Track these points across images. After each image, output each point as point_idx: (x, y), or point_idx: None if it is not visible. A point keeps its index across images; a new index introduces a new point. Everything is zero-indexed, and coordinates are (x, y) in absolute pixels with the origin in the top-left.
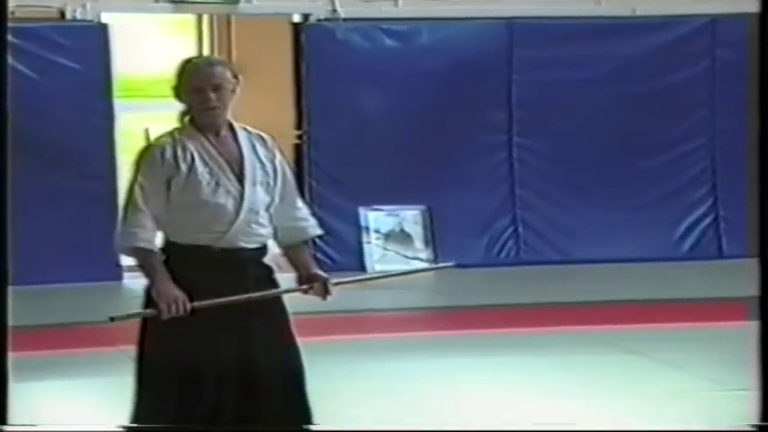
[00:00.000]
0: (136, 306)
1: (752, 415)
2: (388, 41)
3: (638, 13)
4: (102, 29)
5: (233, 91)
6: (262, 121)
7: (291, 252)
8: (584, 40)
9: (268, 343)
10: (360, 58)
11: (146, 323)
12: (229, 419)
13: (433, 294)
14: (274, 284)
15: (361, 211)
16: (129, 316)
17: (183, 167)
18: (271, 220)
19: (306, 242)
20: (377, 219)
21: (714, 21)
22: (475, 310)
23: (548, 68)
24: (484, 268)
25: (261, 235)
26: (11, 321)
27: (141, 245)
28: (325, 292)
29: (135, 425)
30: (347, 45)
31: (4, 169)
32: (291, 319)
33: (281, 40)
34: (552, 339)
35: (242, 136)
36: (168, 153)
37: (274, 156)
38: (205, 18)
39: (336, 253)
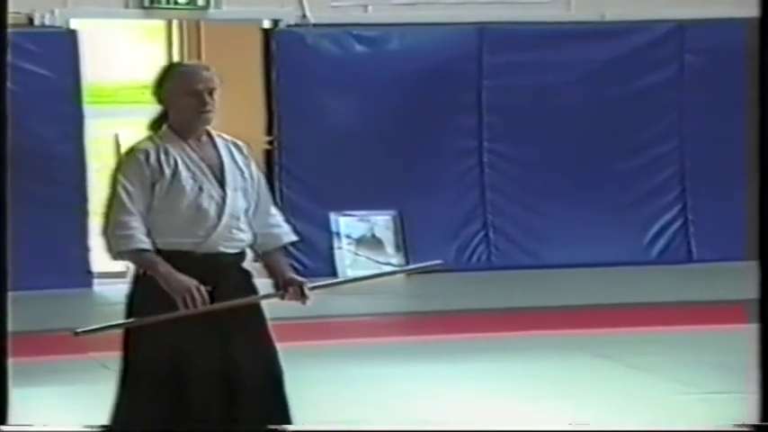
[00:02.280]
0: (106, 313)
1: (729, 416)
2: (359, 47)
3: (608, 18)
4: (71, 35)
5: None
6: (232, 126)
7: (267, 258)
8: (553, 45)
9: (247, 347)
10: (330, 64)
11: (128, 329)
12: (213, 423)
13: (405, 299)
14: (254, 289)
15: (333, 216)
16: (95, 330)
17: (167, 172)
18: (250, 225)
19: (281, 248)
20: (348, 224)
21: (682, 26)
22: (446, 315)
23: (518, 73)
24: (455, 273)
25: (241, 240)
26: None
27: (140, 246)
28: (302, 297)
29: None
30: (317, 51)
31: (3, 172)
32: (269, 324)
33: (250, 46)
34: (523, 343)
35: (220, 142)
36: (152, 157)
37: (250, 162)
38: (175, 24)
39: (308, 258)
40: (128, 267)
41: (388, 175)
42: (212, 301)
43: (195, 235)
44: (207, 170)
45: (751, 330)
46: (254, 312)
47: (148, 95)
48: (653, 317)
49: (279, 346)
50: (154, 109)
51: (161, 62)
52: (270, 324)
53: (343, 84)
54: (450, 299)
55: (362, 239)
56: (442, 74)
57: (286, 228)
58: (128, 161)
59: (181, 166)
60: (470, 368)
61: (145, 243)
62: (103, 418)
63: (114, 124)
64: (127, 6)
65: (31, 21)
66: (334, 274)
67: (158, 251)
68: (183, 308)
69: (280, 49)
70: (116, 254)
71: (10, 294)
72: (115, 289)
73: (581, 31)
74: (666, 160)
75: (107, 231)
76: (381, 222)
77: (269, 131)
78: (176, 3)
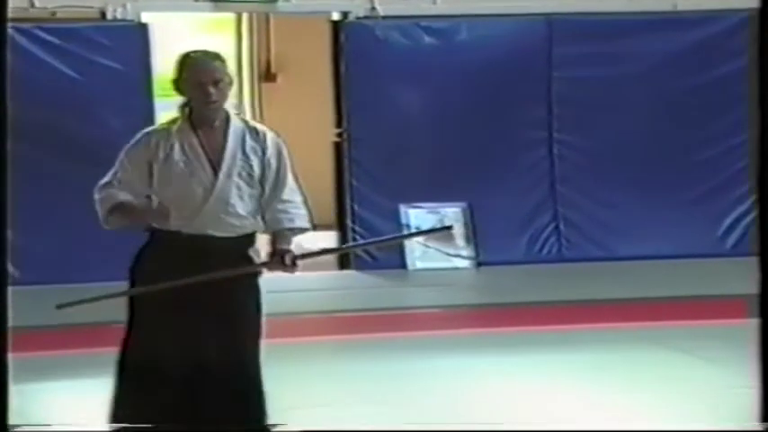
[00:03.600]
0: None
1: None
2: (428, 39)
3: (679, 8)
4: (142, 28)
5: (230, 84)
6: (301, 118)
7: (274, 240)
8: (623, 36)
9: (222, 345)
10: (399, 56)
11: (129, 327)
12: (192, 420)
13: (475, 291)
14: (249, 276)
15: (402, 208)
16: (77, 302)
17: (161, 155)
18: (256, 211)
19: (289, 232)
20: (417, 216)
21: (754, 16)
22: (517, 307)
23: (587, 64)
24: (526, 265)
25: (233, 225)
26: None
27: (119, 199)
28: (284, 266)
29: (123, 425)
30: (386, 43)
31: (3, 170)
32: (339, 316)
33: (319, 39)
34: (595, 336)
35: (233, 129)
36: (153, 140)
37: (265, 149)
38: (244, 16)
39: (378, 250)
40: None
41: (457, 166)
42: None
43: (181, 216)
44: (203, 156)
45: None
46: (243, 308)
47: None
48: (727, 309)
49: (347, 338)
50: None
51: (231, 55)
52: (341, 316)
53: (412, 75)
54: (520, 291)
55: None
56: (512, 65)
57: (293, 214)
58: (133, 142)
59: (176, 151)
60: (541, 360)
61: (124, 198)
62: None
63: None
64: None
65: (103, 15)
66: (403, 266)
67: (156, 231)
68: (166, 223)
69: (349, 41)
70: (105, 218)
71: (82, 286)
72: None
73: (652, 21)
74: (739, 152)
75: (96, 202)
76: (451, 214)
77: (338, 124)
78: None
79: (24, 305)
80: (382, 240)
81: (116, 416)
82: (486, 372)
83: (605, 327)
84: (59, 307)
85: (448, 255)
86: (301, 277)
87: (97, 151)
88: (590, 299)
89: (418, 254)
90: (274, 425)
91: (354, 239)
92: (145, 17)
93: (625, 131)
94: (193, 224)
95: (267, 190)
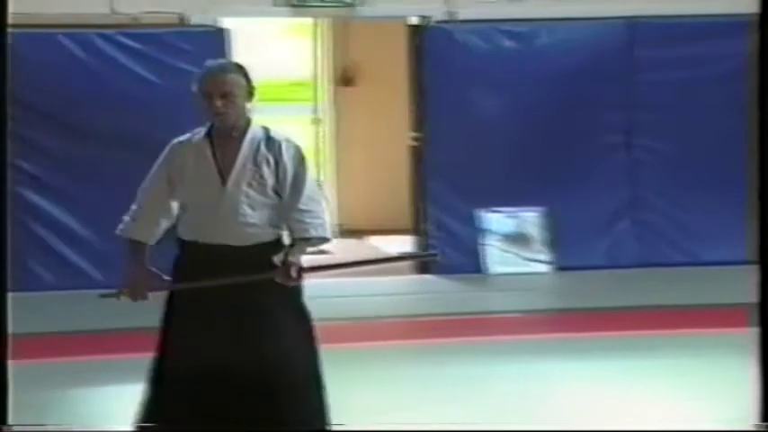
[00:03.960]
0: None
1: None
2: (507, 42)
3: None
4: (222, 34)
5: (250, 94)
6: (378, 123)
7: (290, 249)
8: (705, 39)
9: (241, 346)
10: (478, 60)
11: (165, 330)
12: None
13: (552, 296)
14: (267, 282)
15: (480, 212)
16: (116, 294)
17: (178, 164)
18: (272, 219)
19: (303, 242)
20: (496, 220)
21: None
22: (595, 313)
23: (669, 68)
24: (605, 270)
25: (247, 234)
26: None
27: (125, 235)
28: (287, 278)
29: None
30: (465, 47)
31: (3, 178)
32: (417, 320)
33: (397, 43)
34: (676, 342)
35: (248, 139)
36: (175, 150)
37: (278, 158)
38: (322, 21)
39: (456, 254)
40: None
41: (536, 170)
42: (222, 295)
43: (197, 225)
44: (213, 165)
45: None
46: (269, 312)
47: (297, 93)
48: None
49: (429, 342)
50: (301, 106)
51: (309, 60)
52: (424, 320)
53: (491, 79)
54: (599, 296)
55: (510, 236)
56: (592, 69)
57: (309, 223)
58: (164, 152)
59: (190, 161)
60: (620, 366)
61: (132, 233)
62: None
63: (263, 121)
64: (276, 5)
65: (183, 20)
66: (481, 270)
67: (179, 240)
68: (125, 298)
69: (427, 45)
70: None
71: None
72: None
73: (733, 23)
74: None
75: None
76: (530, 218)
77: (415, 128)
78: (325, 0)
79: (121, 308)
80: (377, 260)
81: (145, 419)
82: (563, 377)
83: (687, 332)
84: (102, 296)
85: (526, 259)
86: (379, 282)
87: None
88: (671, 304)
89: (497, 258)
90: (331, 425)
91: (432, 244)
92: (224, 22)
93: (706, 135)
94: (207, 233)
95: (285, 198)
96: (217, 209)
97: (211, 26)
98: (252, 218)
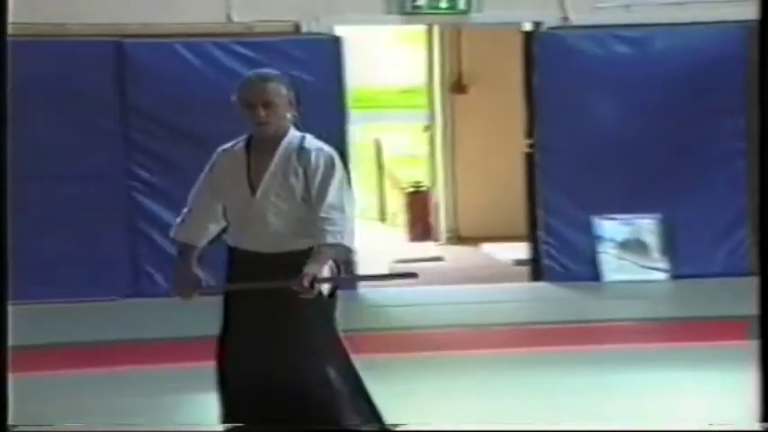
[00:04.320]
0: (373, 314)
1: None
2: (621, 48)
3: None
4: (336, 41)
5: (290, 103)
6: (492, 129)
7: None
8: None
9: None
10: (592, 66)
11: (221, 341)
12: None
13: (669, 305)
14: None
15: (595, 219)
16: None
17: (219, 171)
18: (307, 228)
19: (323, 249)
20: (611, 228)
21: None
22: (713, 321)
23: None
24: (723, 278)
25: (277, 242)
26: None
27: (174, 236)
28: (302, 288)
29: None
30: (579, 52)
31: (3, 185)
32: (531, 328)
33: (511, 49)
34: None
35: (282, 149)
36: (218, 157)
37: (308, 168)
38: (436, 28)
39: (572, 262)
40: (389, 271)
41: (651, 177)
42: (258, 301)
43: (233, 232)
44: (244, 176)
45: None
46: (296, 321)
47: (409, 100)
48: None
49: (544, 349)
50: (414, 113)
51: (421, 67)
52: (533, 328)
53: (606, 85)
54: (717, 304)
55: (627, 243)
56: (707, 74)
57: (327, 230)
58: (210, 159)
59: (225, 170)
60: (738, 377)
61: (179, 235)
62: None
63: (375, 129)
64: (389, 12)
65: (297, 28)
66: (597, 278)
67: (227, 245)
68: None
69: (541, 51)
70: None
71: None
72: (379, 291)
73: None
74: None
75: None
76: (645, 226)
77: (529, 134)
78: (437, 8)
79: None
80: (364, 277)
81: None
82: (680, 386)
83: None
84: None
85: (643, 267)
86: (493, 289)
87: None
88: None
89: (613, 266)
90: (393, 425)
91: (546, 251)
92: (338, 30)
93: None
94: (241, 240)
95: (311, 207)
96: (247, 217)
97: (325, 34)
98: (279, 227)
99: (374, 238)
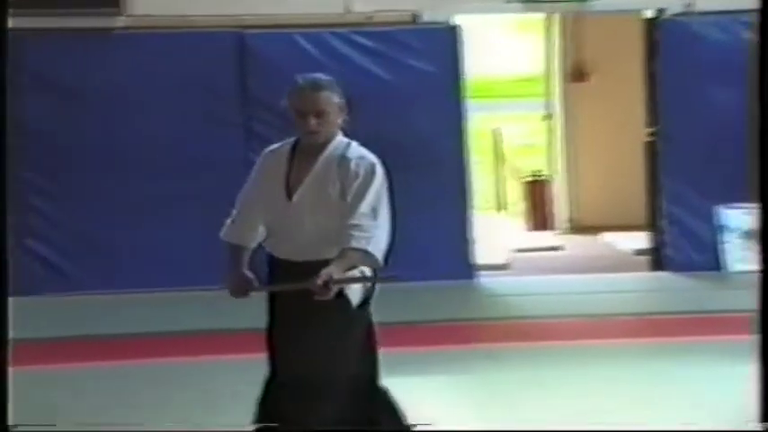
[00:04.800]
0: (489, 304)
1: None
2: (747, 34)
3: None
4: (454, 31)
5: (340, 110)
6: (612, 118)
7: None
8: None
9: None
10: (716, 52)
11: (269, 336)
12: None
13: None
14: (336, 302)
15: (718, 208)
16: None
17: (261, 174)
18: (336, 236)
19: (346, 253)
20: (735, 217)
21: None
22: None
23: None
24: None
25: (312, 251)
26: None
27: (224, 238)
28: (319, 288)
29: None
30: (704, 39)
31: (3, 173)
32: (651, 318)
33: (632, 37)
34: None
35: (325, 155)
36: (264, 158)
37: (346, 177)
38: (555, 16)
39: (694, 252)
40: (508, 261)
41: None
42: (292, 307)
43: (268, 239)
44: (282, 183)
45: None
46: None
47: (527, 89)
48: None
49: (664, 340)
50: (533, 102)
51: (540, 55)
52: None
53: (731, 72)
54: None
55: (750, 233)
56: None
57: (351, 235)
58: (258, 159)
59: (268, 172)
60: None
61: (228, 236)
62: (492, 408)
63: (494, 118)
64: (508, 1)
65: (415, 18)
66: (720, 267)
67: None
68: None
69: (664, 38)
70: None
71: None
72: (498, 281)
73: None
74: None
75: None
76: None
77: (651, 123)
78: None
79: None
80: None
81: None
82: None
83: None
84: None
85: None
86: (613, 278)
87: (410, 154)
88: None
89: (737, 256)
90: (414, 425)
91: (668, 241)
92: (456, 19)
93: None
94: (275, 247)
95: (345, 214)
96: (281, 223)
97: (443, 23)
98: (312, 234)
99: (493, 227)
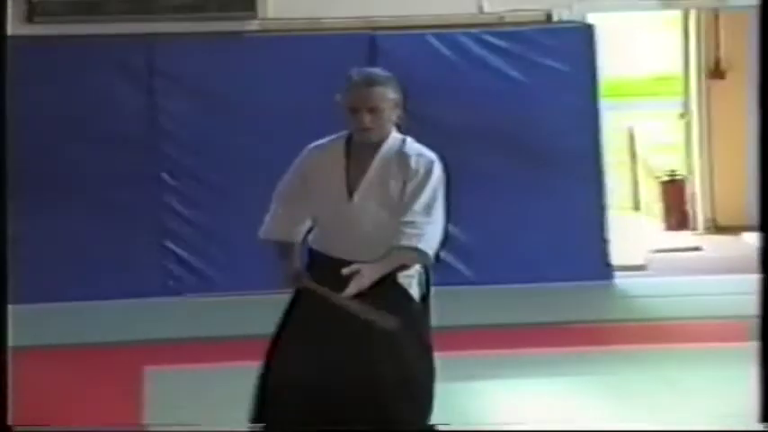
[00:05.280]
0: (626, 306)
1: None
2: None
3: None
4: (588, 29)
5: (396, 106)
6: (750, 117)
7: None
8: None
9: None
10: None
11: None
12: None
13: None
14: (393, 302)
15: None
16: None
17: (312, 169)
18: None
19: (399, 250)
20: None
21: None
22: None
23: None
24: None
25: (370, 252)
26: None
27: (268, 236)
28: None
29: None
30: None
31: (3, 187)
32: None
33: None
34: None
35: (383, 152)
36: (312, 155)
37: (406, 174)
38: (692, 13)
39: None
40: (646, 261)
41: None
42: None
43: (321, 236)
44: (343, 179)
45: None
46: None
47: (663, 87)
48: None
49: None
50: (668, 100)
51: (676, 53)
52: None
53: None
54: None
55: None
56: None
57: (403, 231)
58: (301, 155)
59: (323, 169)
60: None
61: (274, 233)
62: (629, 410)
63: (628, 117)
64: None
65: (549, 17)
66: None
67: (311, 249)
68: (289, 286)
69: None
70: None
71: (529, 286)
72: (636, 282)
73: None
74: None
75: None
76: None
77: None
78: None
79: (476, 303)
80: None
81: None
82: None
83: None
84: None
85: None
86: (755, 280)
87: (545, 153)
88: None
89: None
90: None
91: None
92: (590, 18)
93: None
94: (331, 246)
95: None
96: (341, 223)
97: (577, 22)
98: (372, 233)
99: (629, 227)
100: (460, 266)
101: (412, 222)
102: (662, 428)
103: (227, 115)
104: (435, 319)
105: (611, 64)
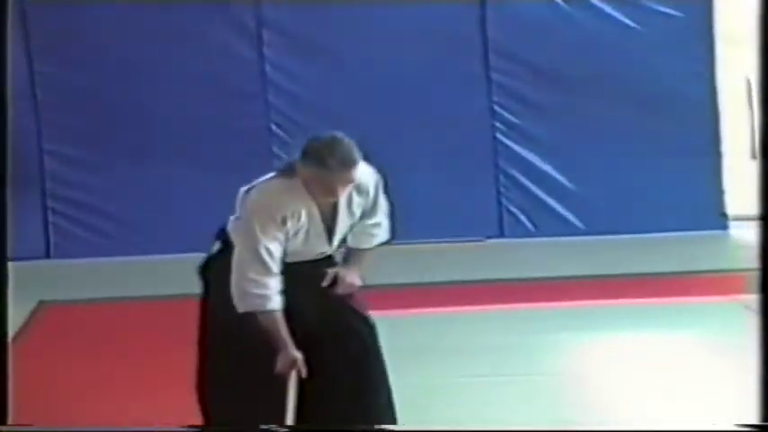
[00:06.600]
0: (741, 256)
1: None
2: None
3: None
4: None
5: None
6: None
7: (351, 255)
8: None
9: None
10: None
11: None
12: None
13: None
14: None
15: None
16: None
17: (290, 231)
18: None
19: (367, 251)
20: None
21: None
22: None
23: None
24: None
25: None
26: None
27: (271, 306)
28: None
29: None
30: None
31: (3, 178)
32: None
33: None
34: None
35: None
36: (286, 218)
37: (367, 195)
38: None
39: None
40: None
41: None
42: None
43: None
44: (321, 225)
45: None
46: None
47: None
48: None
49: None
50: None
51: None
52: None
53: None
54: None
55: None
56: None
57: (375, 234)
58: (266, 222)
59: (301, 226)
60: None
61: (277, 303)
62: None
63: (745, 66)
64: None
65: None
66: None
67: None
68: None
69: None
70: (243, 310)
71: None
72: (751, 232)
73: None
74: None
75: (240, 284)
76: None
77: None
78: None
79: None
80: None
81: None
82: None
83: None
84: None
85: None
86: None
87: (659, 101)
88: None
89: None
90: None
91: None
92: None
93: None
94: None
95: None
96: (315, 260)
97: None
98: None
99: (746, 177)
100: (572, 217)
101: (379, 224)
102: (663, 429)
103: (341, 68)
104: (549, 270)
105: (729, 11)
